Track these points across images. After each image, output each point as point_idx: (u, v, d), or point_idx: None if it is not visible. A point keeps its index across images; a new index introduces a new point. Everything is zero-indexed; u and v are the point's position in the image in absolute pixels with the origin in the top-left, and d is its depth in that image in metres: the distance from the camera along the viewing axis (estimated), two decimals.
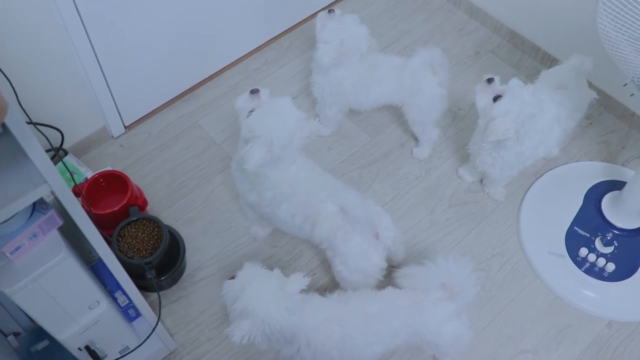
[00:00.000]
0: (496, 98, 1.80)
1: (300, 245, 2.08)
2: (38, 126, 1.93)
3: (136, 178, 2.16)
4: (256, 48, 2.53)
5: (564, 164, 2.28)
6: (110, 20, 1.88)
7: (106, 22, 1.87)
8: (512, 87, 1.80)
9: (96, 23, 1.84)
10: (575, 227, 2.06)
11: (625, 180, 2.13)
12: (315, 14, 2.65)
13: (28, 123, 1.84)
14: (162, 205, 2.13)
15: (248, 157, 1.61)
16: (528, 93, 1.79)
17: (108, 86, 2.04)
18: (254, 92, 1.67)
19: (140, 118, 2.29)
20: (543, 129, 1.90)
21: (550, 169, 2.26)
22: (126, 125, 2.26)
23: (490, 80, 1.84)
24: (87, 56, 1.90)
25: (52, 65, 1.88)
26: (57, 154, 2.07)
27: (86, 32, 1.84)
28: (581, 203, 2.10)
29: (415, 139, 2.29)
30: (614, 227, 2.04)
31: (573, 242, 2.03)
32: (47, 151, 1.99)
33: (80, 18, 1.79)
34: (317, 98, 2.14)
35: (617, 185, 2.14)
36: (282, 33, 2.59)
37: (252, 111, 1.64)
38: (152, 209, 2.11)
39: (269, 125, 1.63)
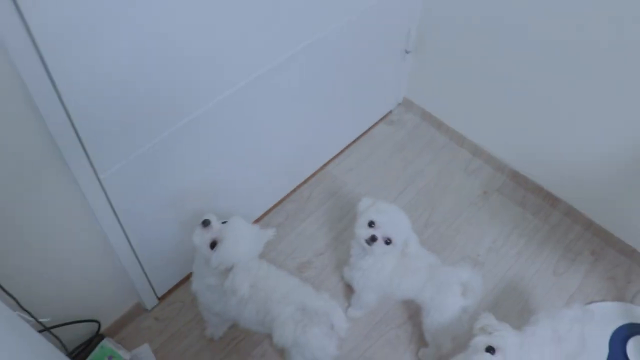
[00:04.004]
0: (490, 349, 1.58)
1: None
2: (79, 323, 1.93)
3: (175, 355, 2.05)
4: (277, 202, 2.49)
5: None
6: (140, 212, 1.80)
7: (137, 214, 1.80)
8: (505, 344, 1.59)
9: (130, 219, 1.77)
10: None
11: None
12: (330, 161, 2.64)
13: (69, 323, 1.85)
14: None
15: (238, 286, 1.64)
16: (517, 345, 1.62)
17: (142, 267, 1.97)
18: (206, 223, 1.63)
19: (173, 287, 2.21)
20: None
21: None
22: (159, 296, 2.17)
23: (491, 350, 1.59)
24: (124, 250, 1.83)
25: (92, 265, 1.82)
26: (92, 341, 1.99)
27: (123, 230, 1.77)
28: (607, 351, 2.04)
29: None
30: None
31: None
32: (85, 341, 1.99)
33: (118, 219, 1.72)
34: (356, 285, 2.01)
35: (636, 328, 2.10)
36: (300, 184, 2.55)
37: (214, 242, 1.62)
38: None
39: (240, 252, 1.64)
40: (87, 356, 1.99)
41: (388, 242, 1.79)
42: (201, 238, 1.64)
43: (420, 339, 2.09)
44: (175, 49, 1.50)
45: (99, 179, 1.53)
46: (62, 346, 1.63)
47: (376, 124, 2.81)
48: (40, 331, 1.62)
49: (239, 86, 1.80)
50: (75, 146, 1.39)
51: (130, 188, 1.68)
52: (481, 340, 1.60)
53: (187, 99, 1.66)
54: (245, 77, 1.80)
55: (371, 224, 1.79)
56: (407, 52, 2.56)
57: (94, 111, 1.39)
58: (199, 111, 1.72)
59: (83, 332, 1.99)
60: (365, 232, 1.79)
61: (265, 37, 1.77)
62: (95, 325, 2.00)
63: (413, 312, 2.17)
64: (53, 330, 1.72)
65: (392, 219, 1.80)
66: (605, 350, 2.04)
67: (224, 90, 1.76)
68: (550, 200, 2.52)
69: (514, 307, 2.22)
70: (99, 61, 1.32)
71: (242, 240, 1.67)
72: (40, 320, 1.53)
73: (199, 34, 1.54)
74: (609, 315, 2.17)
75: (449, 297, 1.82)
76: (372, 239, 1.78)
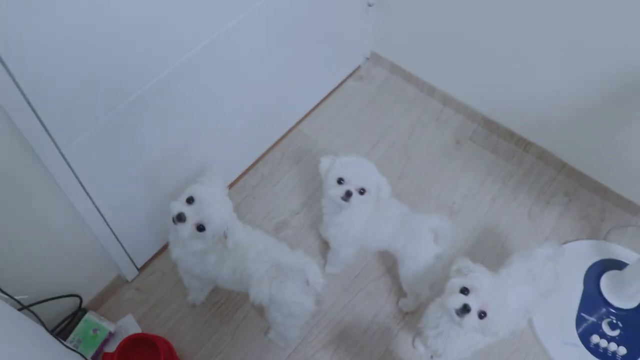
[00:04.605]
0: (464, 290, 1.61)
1: None
2: (59, 299, 1.94)
3: (159, 323, 2.08)
4: (251, 164, 2.50)
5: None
6: (108, 184, 1.79)
7: (106, 186, 1.78)
8: (480, 285, 1.60)
9: (98, 191, 1.76)
10: (582, 314, 2.03)
11: (614, 257, 2.18)
12: (301, 120, 2.64)
13: (49, 299, 1.86)
14: (190, 350, 2.04)
15: (239, 240, 1.70)
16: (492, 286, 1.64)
17: (117, 239, 1.97)
18: (182, 218, 1.60)
19: (152, 257, 2.22)
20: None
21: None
22: (139, 267, 2.18)
23: (465, 291, 1.62)
24: (97, 223, 1.83)
25: (67, 240, 1.81)
26: (76, 315, 2.02)
27: (93, 203, 1.76)
28: (582, 287, 2.09)
29: None
30: (615, 309, 2.04)
31: (583, 329, 2.01)
32: (67, 317, 2.00)
33: (85, 190, 1.71)
34: (332, 241, 2.03)
35: (609, 264, 2.15)
36: (273, 145, 2.55)
37: (199, 226, 1.61)
38: (181, 356, 2.02)
39: (227, 216, 1.66)
40: (71, 331, 2.02)
41: (362, 192, 1.80)
42: (187, 230, 1.62)
43: (399, 290, 2.13)
44: (129, 13, 1.47)
45: (61, 153, 1.51)
46: (41, 323, 1.64)
47: (345, 80, 2.79)
48: (19, 309, 1.62)
49: (198, 48, 1.77)
50: (32, 121, 1.37)
51: (96, 159, 1.67)
52: (456, 282, 1.63)
53: (147, 63, 1.64)
54: (204, 38, 1.78)
55: (340, 181, 1.80)
56: (369, 5, 2.54)
57: (48, 84, 1.37)
58: (160, 77, 1.70)
59: (66, 307, 2.00)
60: (338, 191, 1.80)
61: None
62: (77, 300, 2.01)
63: (390, 264, 2.20)
64: (35, 307, 1.73)
65: (359, 170, 1.82)
66: (580, 287, 2.09)
67: (183, 53, 1.74)
68: (522, 144, 2.54)
69: (492, 252, 2.26)
70: (47, 31, 1.30)
71: (221, 207, 1.66)
72: (17, 297, 1.54)
73: None
74: (584, 253, 2.22)
75: (422, 245, 1.85)
76: (348, 194, 1.80)
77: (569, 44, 2.07)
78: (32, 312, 1.58)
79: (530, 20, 2.12)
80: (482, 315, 1.56)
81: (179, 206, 1.62)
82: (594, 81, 2.11)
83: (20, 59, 1.27)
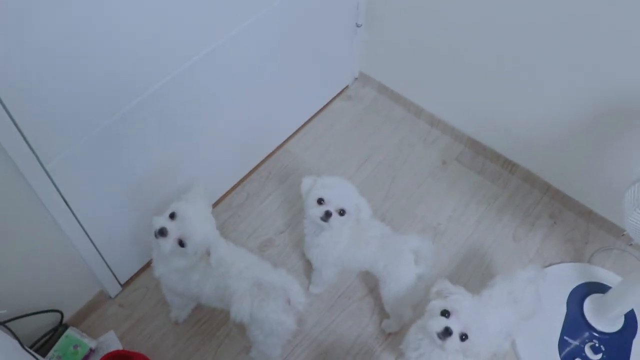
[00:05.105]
0: (445, 312, 1.60)
1: None
2: (40, 314, 1.92)
3: (141, 340, 2.06)
4: (237, 182, 2.49)
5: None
6: (92, 200, 1.79)
7: (89, 202, 1.78)
8: (460, 307, 1.60)
9: (82, 207, 1.76)
10: (565, 337, 2.03)
11: (597, 280, 2.18)
12: (288, 138, 2.65)
13: (30, 314, 1.84)
14: None
15: (222, 258, 1.73)
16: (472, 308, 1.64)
17: (101, 255, 1.96)
18: (164, 233, 1.61)
19: (136, 273, 2.20)
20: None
21: None
22: (122, 283, 2.16)
23: (446, 314, 1.61)
24: (79, 238, 1.83)
25: (49, 255, 1.81)
26: (56, 331, 2.00)
27: (77, 219, 1.76)
28: (565, 310, 2.09)
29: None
30: (598, 332, 2.03)
31: (566, 353, 2.00)
32: (48, 332, 1.98)
33: (68, 206, 1.71)
34: (315, 262, 2.03)
35: (593, 287, 2.16)
36: (259, 163, 2.55)
37: (181, 241, 1.62)
38: None
39: (210, 233, 1.69)
40: (52, 346, 1.99)
41: (342, 213, 1.81)
42: (168, 245, 1.64)
43: (382, 311, 2.12)
44: (118, 26, 1.48)
45: (44, 169, 1.51)
46: (16, 338, 1.63)
47: (333, 99, 2.81)
48: None
49: (188, 64, 1.79)
50: (14, 136, 1.37)
51: (80, 175, 1.67)
52: (436, 304, 1.63)
53: (135, 79, 1.65)
54: (194, 55, 1.80)
55: (320, 201, 1.82)
56: (358, 25, 2.56)
57: (31, 99, 1.37)
58: (148, 92, 1.71)
59: (47, 322, 1.98)
60: (317, 211, 1.82)
61: (214, 12, 1.76)
62: (58, 315, 1.99)
63: (373, 285, 2.20)
64: (15, 322, 1.72)
65: (339, 190, 1.84)
66: (563, 310, 2.09)
67: (172, 69, 1.75)
68: (508, 166, 2.56)
69: (476, 274, 2.26)
70: (33, 43, 1.30)
71: (203, 223, 1.68)
72: None
73: (144, 11, 1.52)
74: (567, 276, 2.22)
75: (403, 266, 1.85)
76: (327, 215, 1.81)
77: (556, 66, 2.10)
78: (8, 328, 1.58)
79: (518, 42, 2.15)
80: (463, 337, 1.56)
81: (162, 221, 1.63)
82: (579, 104, 2.13)
83: (4, 74, 1.27)
